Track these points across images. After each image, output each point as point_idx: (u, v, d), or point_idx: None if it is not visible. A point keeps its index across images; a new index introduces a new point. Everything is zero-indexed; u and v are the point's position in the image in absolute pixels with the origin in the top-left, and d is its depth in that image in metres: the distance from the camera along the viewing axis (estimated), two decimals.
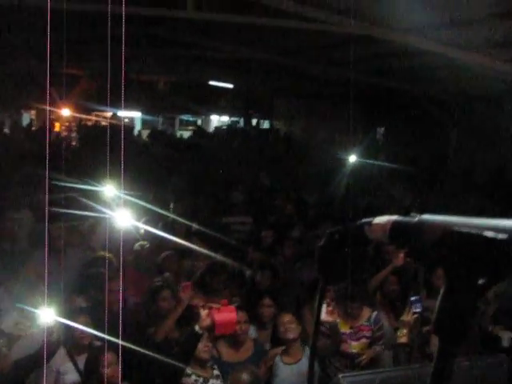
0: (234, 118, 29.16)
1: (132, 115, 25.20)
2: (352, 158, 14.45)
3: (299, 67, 13.73)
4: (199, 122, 30.46)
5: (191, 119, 30.35)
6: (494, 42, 8.00)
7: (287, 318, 5.38)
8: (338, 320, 5.74)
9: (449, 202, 11.68)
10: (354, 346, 5.74)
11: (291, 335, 5.32)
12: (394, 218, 1.15)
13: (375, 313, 6.00)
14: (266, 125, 27.66)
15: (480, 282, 0.91)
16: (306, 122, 22.51)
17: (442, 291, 0.95)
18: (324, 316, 5.52)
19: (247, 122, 27.86)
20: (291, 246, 7.99)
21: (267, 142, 21.87)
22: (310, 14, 7.81)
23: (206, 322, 4.81)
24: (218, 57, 13.98)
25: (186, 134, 25.54)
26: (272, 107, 25.77)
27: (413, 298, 5.85)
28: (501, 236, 0.88)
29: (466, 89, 13.02)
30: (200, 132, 24.87)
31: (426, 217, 1.06)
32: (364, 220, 1.22)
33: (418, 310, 5.73)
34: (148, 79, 23.37)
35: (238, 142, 20.97)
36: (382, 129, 18.51)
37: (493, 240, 0.88)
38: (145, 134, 23.69)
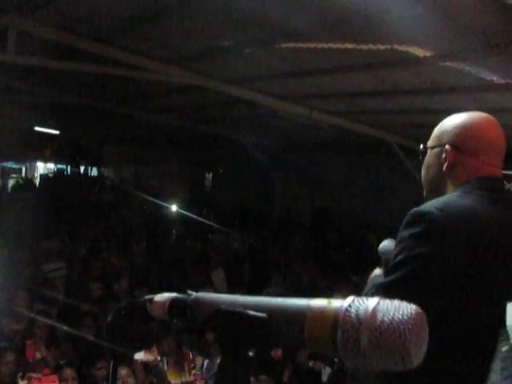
0: (60, 165, 28.20)
1: None
2: (180, 205, 14.58)
3: (128, 114, 13.73)
4: (23, 169, 29.10)
5: (15, 166, 28.89)
6: (313, 93, 8.62)
7: (124, 371, 5.18)
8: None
9: (273, 243, 12.17)
10: None
11: None
12: (173, 295, 1.22)
13: (207, 361, 5.92)
14: (94, 172, 27.10)
15: (251, 353, 1.01)
16: (135, 169, 22.41)
17: (218, 363, 1.06)
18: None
19: (74, 169, 27.12)
20: (118, 298, 7.71)
21: (95, 190, 21.40)
22: (138, 62, 7.91)
23: None
24: (43, 103, 13.58)
25: (10, 183, 24.23)
26: (100, 154, 25.34)
27: (206, 362, 5.88)
28: (260, 314, 1.00)
29: (290, 136, 13.77)
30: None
31: (200, 295, 1.16)
32: (147, 297, 1.28)
33: (198, 372, 5.71)
34: None
35: (64, 190, 20.28)
36: (210, 175, 18.89)
37: (254, 318, 1.00)
38: None
